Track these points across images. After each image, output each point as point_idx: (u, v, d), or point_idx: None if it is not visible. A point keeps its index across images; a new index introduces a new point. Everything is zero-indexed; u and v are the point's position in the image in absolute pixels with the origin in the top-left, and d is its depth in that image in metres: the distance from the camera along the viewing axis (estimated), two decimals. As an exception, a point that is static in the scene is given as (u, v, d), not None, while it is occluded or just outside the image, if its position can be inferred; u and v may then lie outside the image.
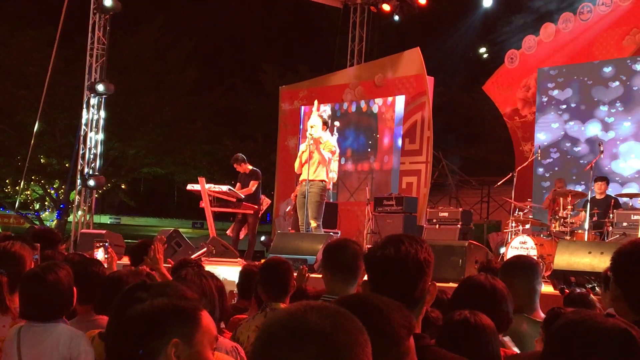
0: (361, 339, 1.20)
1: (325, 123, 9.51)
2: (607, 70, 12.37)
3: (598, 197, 9.86)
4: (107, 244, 6.47)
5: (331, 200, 12.53)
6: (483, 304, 2.68)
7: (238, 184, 10.68)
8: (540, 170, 13.05)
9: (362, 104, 13.93)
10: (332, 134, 13.52)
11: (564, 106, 12.97)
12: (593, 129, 12.56)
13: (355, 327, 1.21)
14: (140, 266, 4.35)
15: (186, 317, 1.56)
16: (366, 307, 1.46)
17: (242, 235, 10.73)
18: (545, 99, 13.26)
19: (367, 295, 1.54)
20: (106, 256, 4.60)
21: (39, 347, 2.89)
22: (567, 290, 4.66)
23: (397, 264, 1.99)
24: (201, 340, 1.57)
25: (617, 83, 12.24)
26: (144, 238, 5.50)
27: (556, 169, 12.78)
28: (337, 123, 13.54)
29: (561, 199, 9.44)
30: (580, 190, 10.35)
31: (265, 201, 11.20)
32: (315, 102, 10.54)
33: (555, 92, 13.10)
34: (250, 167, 10.72)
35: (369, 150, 13.70)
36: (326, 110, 11.76)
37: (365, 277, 3.78)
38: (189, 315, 1.57)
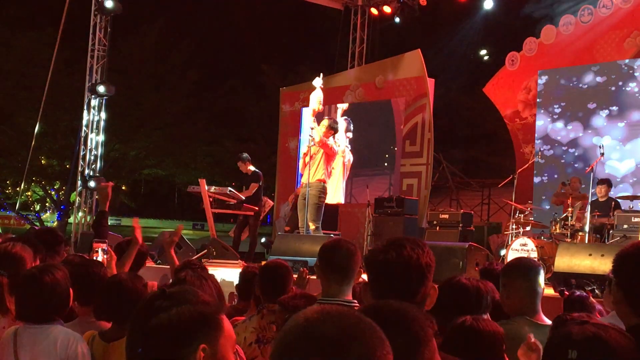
0: (381, 350, 1.15)
1: (332, 128, 9.30)
2: (602, 72, 12.39)
3: (600, 199, 9.85)
4: (106, 245, 6.45)
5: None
6: (460, 305, 2.75)
7: (244, 186, 10.65)
8: (536, 172, 13.04)
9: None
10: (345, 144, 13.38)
11: (559, 109, 12.99)
12: (588, 131, 12.57)
13: (376, 337, 1.15)
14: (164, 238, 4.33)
15: (211, 323, 1.59)
16: (394, 312, 1.47)
17: (243, 237, 10.72)
18: (544, 101, 13.27)
19: (391, 302, 1.54)
20: (105, 256, 4.59)
21: (36, 349, 2.88)
22: (567, 293, 4.65)
23: (399, 268, 1.98)
24: (224, 344, 1.59)
25: (611, 86, 12.26)
26: (143, 239, 5.49)
27: (555, 176, 12.77)
28: (349, 134, 13.41)
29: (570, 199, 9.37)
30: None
31: (268, 203, 11.18)
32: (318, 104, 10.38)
33: (552, 94, 13.12)
34: (252, 168, 10.67)
35: (386, 164, 13.53)
36: (338, 121, 11.50)
37: (362, 278, 3.78)
38: (213, 320, 1.60)
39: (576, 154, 12.74)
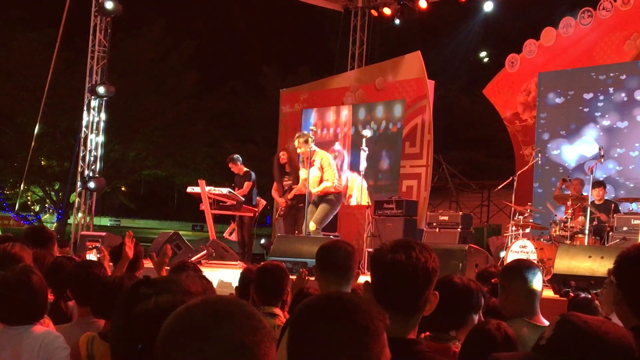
0: (252, 336, 1.20)
1: (301, 136, 9.53)
2: (597, 76, 12.44)
3: (597, 202, 9.85)
4: (99, 245, 6.47)
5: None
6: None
7: (236, 187, 10.70)
8: (535, 173, 13.07)
9: (390, 126, 13.62)
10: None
11: (554, 111, 13.03)
12: (582, 136, 12.60)
13: (248, 323, 1.21)
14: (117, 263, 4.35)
15: None
16: (345, 303, 1.45)
17: (235, 237, 10.74)
18: (543, 103, 13.30)
19: (341, 293, 1.54)
20: (98, 255, 4.60)
21: (17, 350, 2.91)
22: (571, 294, 4.64)
23: (407, 270, 1.97)
24: None
25: (599, 90, 12.31)
26: (142, 240, 5.51)
27: (553, 189, 12.77)
28: (366, 148, 13.31)
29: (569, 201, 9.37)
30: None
31: (261, 203, 11.21)
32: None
33: (551, 97, 13.15)
34: (245, 168, 10.78)
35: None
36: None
37: (359, 280, 3.77)
38: None
39: (572, 155, 12.76)
